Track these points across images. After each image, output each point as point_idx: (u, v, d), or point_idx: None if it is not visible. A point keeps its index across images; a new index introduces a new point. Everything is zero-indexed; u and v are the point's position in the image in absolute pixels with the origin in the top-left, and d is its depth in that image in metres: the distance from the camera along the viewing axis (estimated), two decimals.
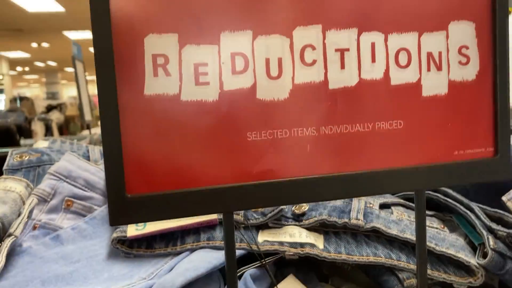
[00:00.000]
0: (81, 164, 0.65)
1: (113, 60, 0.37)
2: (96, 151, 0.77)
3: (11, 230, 0.50)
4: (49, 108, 6.88)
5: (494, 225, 0.52)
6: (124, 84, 0.37)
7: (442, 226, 0.56)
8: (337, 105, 0.42)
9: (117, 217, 0.38)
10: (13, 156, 0.69)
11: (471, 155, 0.45)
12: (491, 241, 0.50)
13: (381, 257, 0.51)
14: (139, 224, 0.53)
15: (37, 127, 5.90)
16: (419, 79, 0.43)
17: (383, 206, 0.58)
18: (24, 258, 0.52)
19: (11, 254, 0.52)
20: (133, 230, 0.53)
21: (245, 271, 0.49)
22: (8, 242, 0.49)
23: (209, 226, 0.54)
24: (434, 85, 0.43)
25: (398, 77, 0.42)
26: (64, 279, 0.49)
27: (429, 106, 0.44)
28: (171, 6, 0.38)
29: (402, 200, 0.60)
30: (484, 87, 0.45)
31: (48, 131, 6.01)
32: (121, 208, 0.38)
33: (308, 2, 0.40)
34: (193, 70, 0.38)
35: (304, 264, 0.55)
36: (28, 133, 5.32)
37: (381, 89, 0.42)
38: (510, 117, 0.48)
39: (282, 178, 0.41)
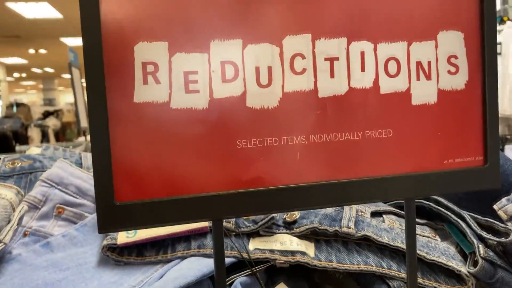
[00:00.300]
0: (73, 171, 0.65)
1: (103, 67, 0.37)
2: (89, 158, 0.77)
3: (0, 237, 0.50)
4: (46, 115, 6.88)
5: (484, 234, 0.52)
6: (114, 91, 0.37)
7: (434, 234, 0.56)
8: (327, 113, 0.42)
9: (105, 225, 0.38)
10: (5, 163, 0.69)
11: (460, 164, 0.46)
12: (481, 250, 0.50)
13: (372, 266, 0.51)
14: (130, 231, 0.53)
15: (34, 133, 5.89)
16: (409, 88, 0.43)
17: (375, 214, 0.58)
18: (14, 265, 0.52)
19: (0, 261, 0.52)
20: (123, 238, 0.52)
21: (236, 279, 0.49)
22: None
23: (200, 234, 0.54)
24: (424, 94, 0.44)
25: (388, 86, 0.42)
26: (53, 286, 0.49)
27: (418, 115, 0.44)
28: (161, 14, 0.38)
29: (394, 208, 0.60)
30: (473, 96, 0.45)
31: (45, 138, 6.00)
32: (110, 216, 0.38)
33: (298, 11, 0.40)
34: (183, 78, 0.38)
35: (295, 272, 0.55)
36: (24, 140, 5.31)
37: (371, 98, 0.43)
38: (499, 126, 0.48)
39: (272, 186, 0.41)
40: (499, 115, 1.17)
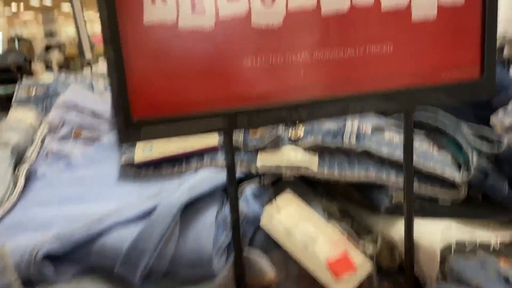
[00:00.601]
0: (86, 96, 0.67)
1: None
2: (100, 83, 0.79)
3: (26, 157, 0.54)
4: (48, 48, 6.79)
5: (479, 144, 0.55)
6: (124, 13, 0.39)
7: (431, 146, 0.59)
8: (330, 30, 0.44)
9: (124, 140, 0.42)
10: (21, 89, 0.71)
11: (458, 76, 0.48)
12: (475, 159, 0.53)
13: (372, 175, 0.54)
14: (146, 148, 0.56)
15: (38, 67, 5.85)
16: (409, 4, 0.44)
17: (376, 129, 0.61)
18: (40, 182, 0.57)
19: (29, 179, 0.56)
20: (140, 156, 0.56)
21: (246, 188, 0.53)
22: (24, 168, 0.53)
23: (212, 151, 0.58)
24: (424, 9, 0.45)
25: (389, 2, 0.44)
26: (78, 198, 0.53)
27: (418, 30, 0.45)
28: None
29: (394, 123, 0.63)
30: (473, 11, 0.46)
31: (49, 71, 5.96)
32: (128, 132, 0.41)
33: None
34: None
35: (300, 184, 0.59)
36: (29, 74, 5.29)
37: (372, 14, 0.44)
38: (507, 48, 0.50)
39: (278, 101, 0.44)
40: (508, 38, 1.16)
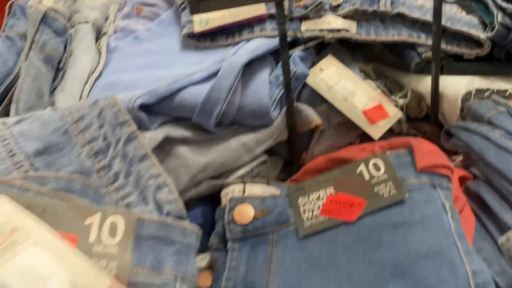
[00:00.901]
0: None
1: None
2: None
3: (104, 31, 0.62)
4: None
5: (505, 4, 0.60)
6: None
7: (460, 10, 0.65)
8: None
9: (194, 8, 0.50)
10: None
11: None
12: (499, 17, 0.59)
13: (404, 36, 0.61)
14: (202, 22, 0.64)
15: None
16: None
17: None
18: (116, 54, 0.66)
19: (106, 51, 0.66)
20: (198, 27, 0.64)
21: (293, 53, 0.61)
22: (105, 39, 0.62)
23: (260, 21, 0.65)
24: None
25: None
26: (151, 66, 0.63)
27: None
28: None
29: None
30: None
31: None
32: (197, 3, 0.49)
33: None
34: None
35: (340, 49, 0.66)
36: None
37: None
38: None
39: None
40: None
